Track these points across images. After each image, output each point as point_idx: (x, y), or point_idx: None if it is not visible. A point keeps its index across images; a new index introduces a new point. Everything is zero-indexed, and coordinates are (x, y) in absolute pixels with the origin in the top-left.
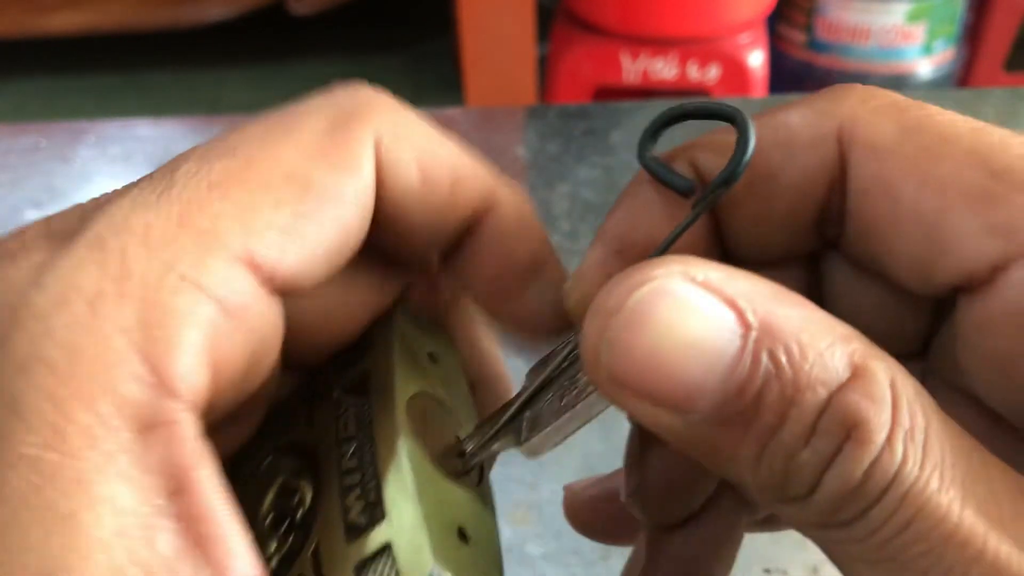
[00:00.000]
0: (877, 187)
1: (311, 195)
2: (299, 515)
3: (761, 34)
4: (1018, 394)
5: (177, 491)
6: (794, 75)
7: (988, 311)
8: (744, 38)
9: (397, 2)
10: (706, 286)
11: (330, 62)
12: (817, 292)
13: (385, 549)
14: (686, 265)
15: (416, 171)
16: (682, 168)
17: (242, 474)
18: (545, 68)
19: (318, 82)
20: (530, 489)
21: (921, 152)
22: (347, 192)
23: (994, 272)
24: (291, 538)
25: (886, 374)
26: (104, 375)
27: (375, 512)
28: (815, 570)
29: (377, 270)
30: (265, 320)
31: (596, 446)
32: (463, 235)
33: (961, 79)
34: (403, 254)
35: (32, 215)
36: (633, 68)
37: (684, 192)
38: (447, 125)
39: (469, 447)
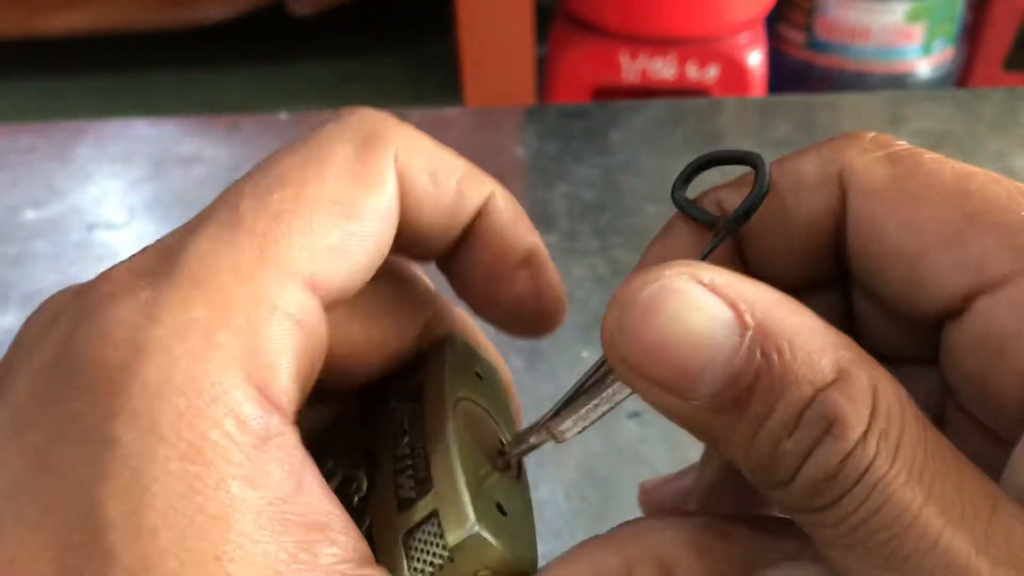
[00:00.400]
0: (868, 228)
1: (352, 215)
2: (355, 501)
3: (760, 34)
4: (994, 409)
5: (295, 490)
6: (793, 75)
7: (962, 336)
8: (743, 38)
9: (396, 3)
10: (711, 287)
11: (330, 63)
12: (849, 311)
13: (432, 516)
14: (695, 268)
15: (428, 178)
16: (709, 206)
17: None
18: (544, 68)
19: (318, 82)
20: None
21: (907, 197)
22: (379, 208)
23: (966, 302)
24: None
25: (869, 380)
26: (226, 397)
27: (424, 486)
28: None
29: (401, 306)
30: (321, 331)
31: (596, 446)
32: (464, 233)
33: (960, 79)
34: (420, 254)
35: (31, 215)
36: (632, 68)
37: (709, 224)
38: (446, 125)
39: (509, 447)
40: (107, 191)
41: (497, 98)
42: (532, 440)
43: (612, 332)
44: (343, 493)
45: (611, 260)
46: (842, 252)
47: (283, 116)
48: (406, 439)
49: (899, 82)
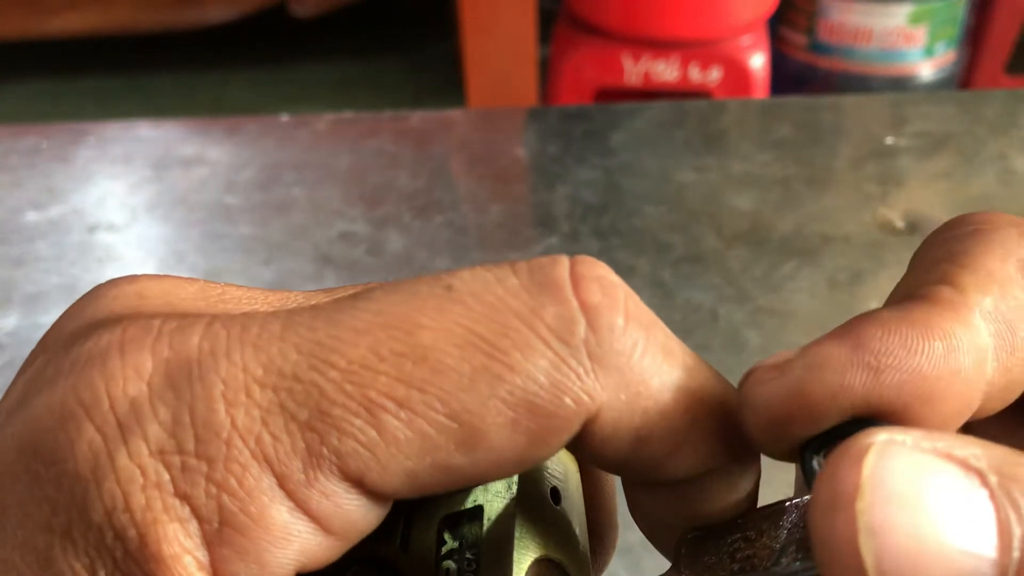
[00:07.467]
0: None
1: (473, 446)
2: None
3: (763, 36)
4: None
5: None
6: (795, 77)
7: None
8: (746, 40)
9: (399, 4)
10: (934, 452)
11: (332, 64)
12: None
13: None
14: (904, 433)
15: (629, 443)
16: None
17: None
18: (547, 70)
19: (319, 84)
20: None
21: None
22: (519, 460)
23: None
24: None
25: None
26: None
27: None
28: None
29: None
30: (369, 519)
31: None
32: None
33: (962, 81)
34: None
35: (33, 216)
36: (635, 70)
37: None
38: (448, 126)
39: None
40: (108, 192)
41: (500, 100)
42: None
43: (851, 542)
44: None
45: (612, 262)
46: None
47: (284, 118)
48: None
49: (901, 85)
